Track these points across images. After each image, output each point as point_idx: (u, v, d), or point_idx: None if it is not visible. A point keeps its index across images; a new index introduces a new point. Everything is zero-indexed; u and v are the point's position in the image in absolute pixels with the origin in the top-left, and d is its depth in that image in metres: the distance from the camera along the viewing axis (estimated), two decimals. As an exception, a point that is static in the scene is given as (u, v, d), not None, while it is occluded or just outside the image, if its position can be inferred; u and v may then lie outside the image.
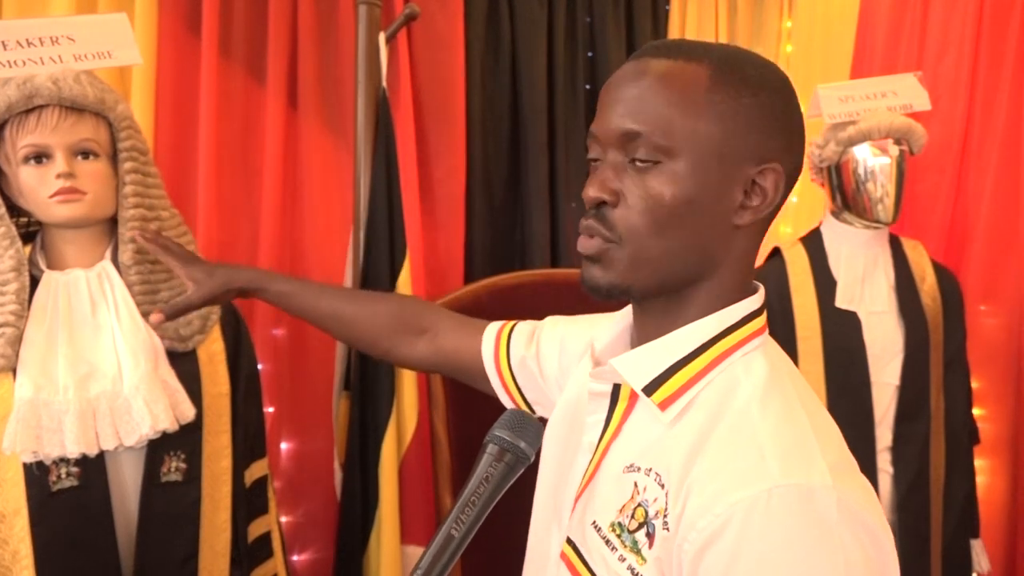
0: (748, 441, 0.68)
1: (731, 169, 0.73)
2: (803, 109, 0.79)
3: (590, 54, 2.39)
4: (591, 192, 0.74)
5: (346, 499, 1.76)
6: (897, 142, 1.85)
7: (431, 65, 2.14)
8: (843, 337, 1.81)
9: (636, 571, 0.71)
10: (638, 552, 0.71)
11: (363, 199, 1.82)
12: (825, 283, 1.85)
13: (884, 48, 2.38)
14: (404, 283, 1.80)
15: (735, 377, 0.73)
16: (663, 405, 0.74)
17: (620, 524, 0.74)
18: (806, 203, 2.39)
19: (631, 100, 0.73)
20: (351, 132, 1.90)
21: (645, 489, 0.73)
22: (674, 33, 2.49)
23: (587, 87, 2.38)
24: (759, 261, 2.08)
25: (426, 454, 1.85)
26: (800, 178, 0.79)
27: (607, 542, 0.75)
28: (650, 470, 0.73)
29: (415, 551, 1.82)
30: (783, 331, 1.85)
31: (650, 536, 0.71)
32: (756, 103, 0.73)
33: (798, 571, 0.63)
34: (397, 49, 2.04)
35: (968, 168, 2.32)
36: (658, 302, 0.78)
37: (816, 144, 1.93)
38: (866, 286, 1.85)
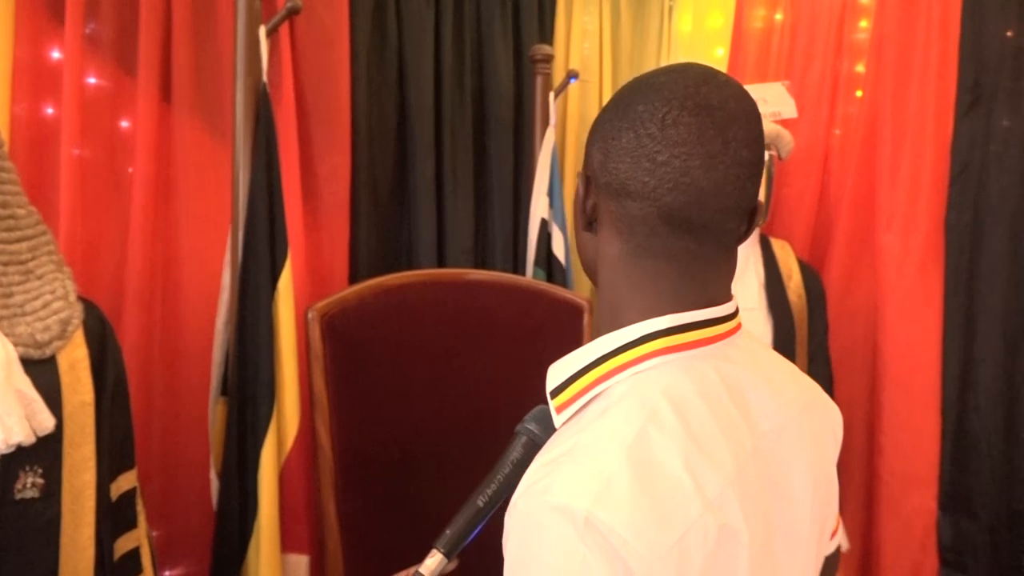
0: (543, 451, 0.72)
1: None
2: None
3: (477, 53, 2.40)
4: None
5: (223, 509, 1.70)
6: (766, 147, 1.95)
7: (315, 61, 2.10)
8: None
9: None
10: None
11: (242, 198, 1.76)
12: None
13: (756, 57, 2.51)
14: (285, 284, 1.75)
15: (612, 393, 0.73)
16: (558, 409, 0.76)
17: None
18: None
19: None
20: (229, 128, 1.84)
21: None
22: (560, 35, 2.53)
23: (474, 86, 2.38)
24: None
25: (308, 459, 1.81)
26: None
27: None
28: None
29: (297, 560, 1.78)
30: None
31: None
32: None
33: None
34: (279, 43, 1.99)
35: (830, 173, 2.47)
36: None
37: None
38: (738, 284, 1.95)
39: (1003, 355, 2.24)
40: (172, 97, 1.92)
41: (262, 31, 1.78)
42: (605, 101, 2.58)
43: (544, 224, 2.28)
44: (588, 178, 0.77)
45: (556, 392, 0.76)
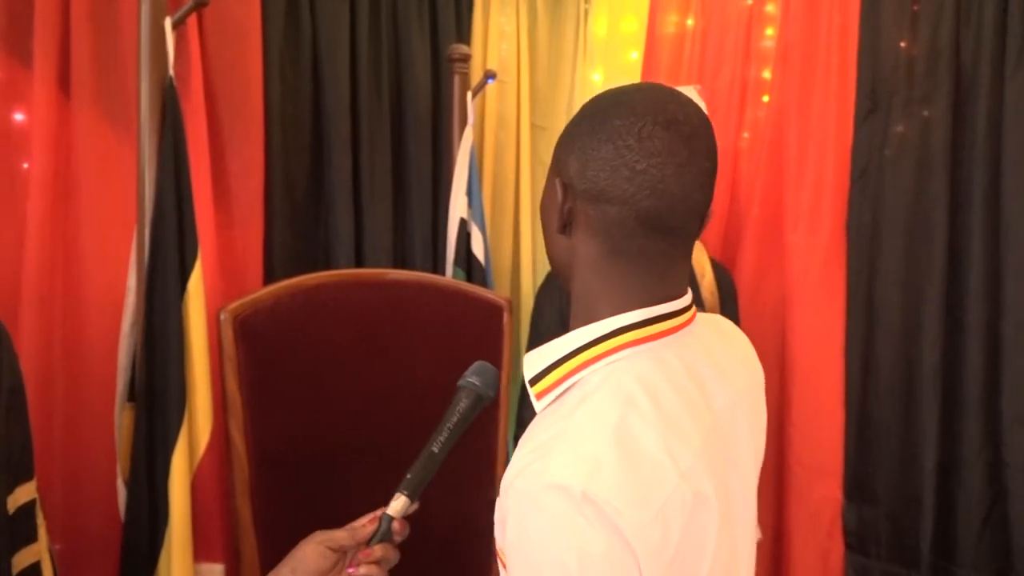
0: (529, 434, 0.79)
1: None
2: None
3: (394, 51, 2.38)
4: None
5: (131, 518, 1.63)
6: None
7: (225, 55, 2.04)
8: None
9: None
10: None
11: (148, 195, 1.70)
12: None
13: (669, 62, 2.57)
14: (195, 284, 1.69)
15: (589, 382, 0.80)
16: (539, 396, 0.83)
17: None
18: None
19: None
20: (134, 122, 1.76)
21: None
22: (477, 35, 2.53)
23: (391, 84, 2.36)
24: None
25: (222, 464, 1.75)
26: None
27: None
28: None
29: (211, 569, 1.72)
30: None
31: None
32: None
33: (532, 553, 0.72)
34: (187, 36, 1.92)
35: (740, 175, 2.56)
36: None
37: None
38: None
39: (901, 348, 2.37)
40: (71, 89, 1.83)
41: (168, 23, 1.71)
42: (523, 101, 2.62)
43: (463, 224, 2.28)
44: (565, 184, 0.82)
45: (535, 380, 0.84)
